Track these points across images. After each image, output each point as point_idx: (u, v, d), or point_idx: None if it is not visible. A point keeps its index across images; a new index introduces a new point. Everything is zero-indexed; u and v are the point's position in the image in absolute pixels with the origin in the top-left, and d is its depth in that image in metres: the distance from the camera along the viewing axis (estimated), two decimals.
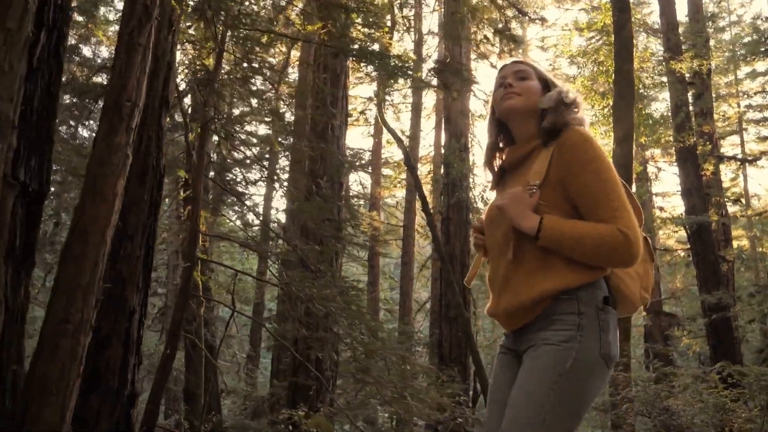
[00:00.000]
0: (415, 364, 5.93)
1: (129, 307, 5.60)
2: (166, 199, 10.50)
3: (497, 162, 2.15)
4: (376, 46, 7.87)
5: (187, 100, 9.67)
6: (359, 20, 5.30)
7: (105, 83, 10.18)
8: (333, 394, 5.95)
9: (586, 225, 1.84)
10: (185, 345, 8.07)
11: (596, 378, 1.80)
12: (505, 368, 1.98)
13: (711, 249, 11.75)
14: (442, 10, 13.68)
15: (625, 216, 1.83)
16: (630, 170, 8.58)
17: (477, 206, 12.57)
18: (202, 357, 8.31)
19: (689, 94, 12.85)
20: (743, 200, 17.01)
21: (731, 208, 14.80)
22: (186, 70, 8.62)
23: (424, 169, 18.56)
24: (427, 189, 16.70)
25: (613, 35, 10.73)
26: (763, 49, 14.66)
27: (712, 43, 15.47)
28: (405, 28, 12.99)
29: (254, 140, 6.82)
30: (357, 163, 15.97)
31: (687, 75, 12.48)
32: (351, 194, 16.83)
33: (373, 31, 5.62)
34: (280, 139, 9.62)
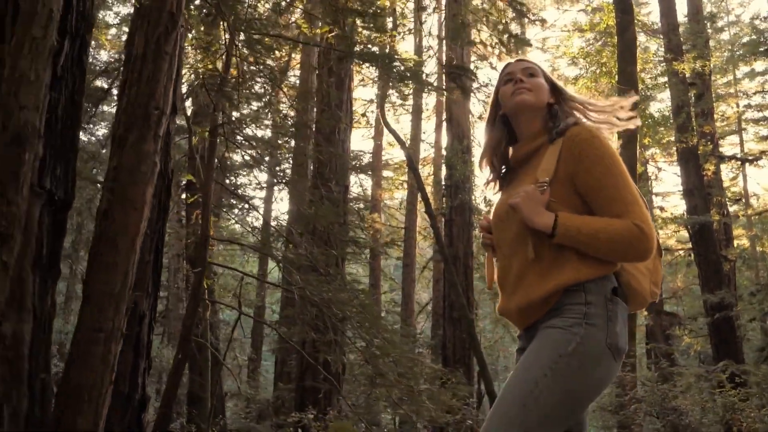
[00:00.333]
0: (428, 366, 5.94)
1: (139, 312, 5.59)
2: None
3: (496, 160, 2.13)
4: (378, 49, 7.90)
5: (188, 103, 9.68)
6: (371, 24, 5.30)
7: (106, 87, 10.16)
8: (344, 398, 5.94)
9: (601, 220, 1.84)
10: (191, 348, 8.06)
11: (600, 367, 1.77)
12: None
13: (713, 249, 11.80)
14: (443, 13, 13.69)
15: (639, 210, 1.83)
16: (634, 171, 8.62)
17: (480, 208, 12.58)
18: (208, 360, 8.30)
19: (690, 95, 12.89)
20: (743, 200, 17.08)
21: (731, 208, 14.86)
22: (185, 74, 8.62)
23: (424, 171, 18.58)
24: (427, 191, 16.70)
25: (615, 36, 10.78)
26: (762, 49, 14.71)
27: (711, 43, 15.53)
28: (407, 30, 13.01)
29: (257, 143, 6.82)
30: (357, 165, 15.99)
31: (688, 76, 12.52)
32: (351, 196, 16.83)
33: (380, 34, 5.62)
34: (280, 142, 9.63)
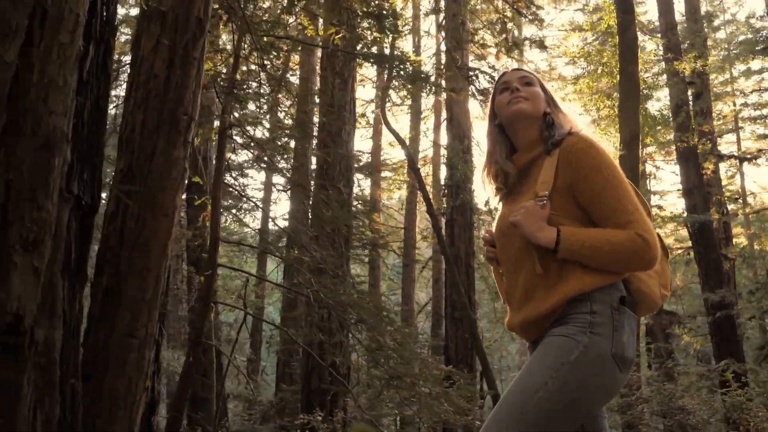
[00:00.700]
0: (438, 367, 5.96)
1: None
2: None
3: (499, 171, 2.09)
4: (382, 50, 7.91)
5: None
6: (381, 25, 5.30)
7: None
8: (356, 400, 5.94)
9: (604, 232, 1.82)
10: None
11: (603, 377, 1.75)
12: None
13: (713, 247, 11.85)
14: (442, 13, 13.70)
15: (641, 219, 1.82)
16: (636, 172, 8.65)
17: (480, 208, 12.60)
18: (213, 362, 8.29)
19: (689, 94, 12.95)
20: (740, 199, 17.16)
21: (729, 207, 14.93)
22: None
23: (423, 171, 18.59)
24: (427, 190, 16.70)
25: (614, 36, 10.81)
26: (758, 48, 14.79)
27: (707, 42, 15.60)
28: (406, 30, 13.03)
29: (265, 145, 6.82)
30: (357, 166, 16.00)
31: (686, 75, 12.58)
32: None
33: (387, 36, 5.63)
34: (282, 143, 9.62)
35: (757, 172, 64.31)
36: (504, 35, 13.52)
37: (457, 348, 11.09)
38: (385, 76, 14.15)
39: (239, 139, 7.66)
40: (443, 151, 17.00)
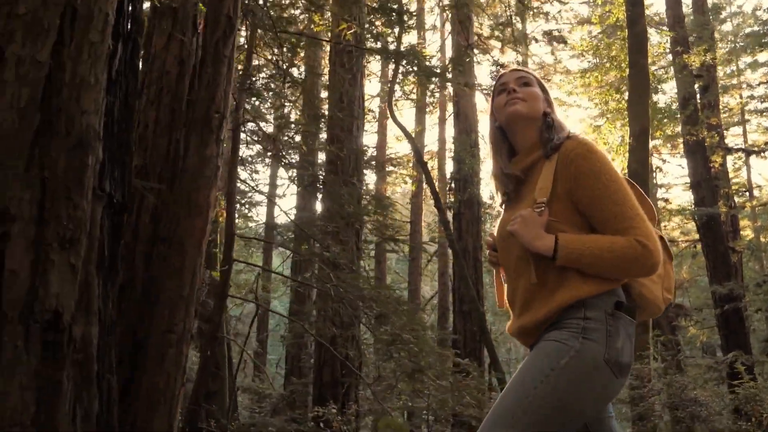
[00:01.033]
0: (459, 361, 5.99)
1: None
2: None
3: (503, 177, 2.06)
4: (389, 45, 7.91)
5: None
6: (393, 20, 5.31)
7: None
8: (375, 392, 5.98)
9: (603, 239, 1.80)
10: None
11: (595, 383, 1.74)
12: None
13: (721, 240, 11.86)
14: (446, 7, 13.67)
15: (641, 225, 1.79)
16: (646, 166, 8.65)
17: (488, 202, 12.63)
18: (225, 356, 8.32)
19: (696, 87, 12.92)
20: (746, 191, 17.14)
21: (737, 199, 14.92)
22: None
23: (428, 165, 18.55)
24: None
25: (621, 30, 10.79)
26: (765, 40, 14.74)
27: (715, 34, 15.55)
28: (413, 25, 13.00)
29: (277, 141, 6.84)
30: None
31: (694, 68, 12.55)
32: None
33: (405, 30, 5.63)
34: (285, 138, 9.64)
35: (763, 164, 64.22)
36: (509, 29, 13.51)
37: (466, 341, 11.14)
38: (389, 71, 14.14)
39: (251, 135, 7.67)
40: (448, 145, 17.01)
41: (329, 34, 7.43)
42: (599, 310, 1.78)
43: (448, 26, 16.01)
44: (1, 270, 2.00)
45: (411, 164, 16.54)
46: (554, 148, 1.91)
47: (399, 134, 17.31)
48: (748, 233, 16.24)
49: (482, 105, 13.98)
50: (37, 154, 2.14)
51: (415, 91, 14.97)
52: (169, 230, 2.50)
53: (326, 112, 8.23)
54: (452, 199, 12.84)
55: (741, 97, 17.30)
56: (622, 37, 11.23)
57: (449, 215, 12.26)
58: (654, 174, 16.98)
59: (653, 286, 1.94)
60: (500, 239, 2.01)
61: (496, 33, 14.20)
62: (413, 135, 16.84)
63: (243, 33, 6.65)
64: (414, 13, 5.46)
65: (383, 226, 6.62)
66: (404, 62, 5.70)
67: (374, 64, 16.14)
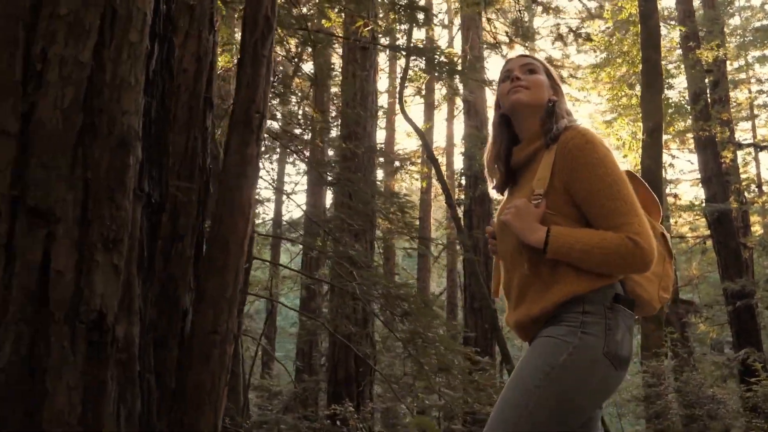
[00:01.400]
0: (478, 359, 6.00)
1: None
2: None
3: (501, 164, 2.04)
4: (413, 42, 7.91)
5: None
6: (411, 17, 5.31)
7: None
8: (394, 390, 5.99)
9: (595, 234, 1.76)
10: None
11: (595, 377, 1.72)
12: None
13: (732, 236, 11.83)
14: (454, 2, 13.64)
15: (635, 221, 1.75)
16: (659, 162, 8.63)
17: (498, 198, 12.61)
18: (239, 353, 8.35)
19: (706, 82, 12.88)
20: (756, 187, 17.08)
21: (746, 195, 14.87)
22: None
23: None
24: None
25: (634, 25, 10.75)
26: None
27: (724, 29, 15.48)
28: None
29: (294, 139, 6.85)
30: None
31: (705, 63, 12.50)
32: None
33: (422, 27, 5.62)
34: (299, 132, 9.64)
35: None
36: (517, 25, 13.47)
37: (477, 338, 11.14)
38: (399, 67, 14.09)
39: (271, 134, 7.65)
40: (457, 141, 17.01)
41: (339, 30, 7.41)
42: (598, 304, 1.76)
43: (456, 21, 15.98)
44: (47, 271, 2.01)
45: (420, 160, 16.50)
46: (554, 138, 1.87)
47: (408, 130, 17.30)
48: (757, 229, 16.20)
49: (492, 101, 13.94)
50: (80, 155, 2.14)
51: (424, 87, 14.95)
52: (212, 230, 2.50)
53: (339, 109, 8.23)
54: (462, 196, 12.83)
55: (750, 92, 17.22)
56: (635, 32, 11.19)
57: (459, 212, 12.27)
58: (665, 170, 16.95)
59: (648, 284, 1.91)
60: (498, 228, 1.98)
61: (507, 30, 14.16)
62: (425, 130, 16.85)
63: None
64: (429, 10, 5.43)
65: (405, 225, 6.59)
66: (423, 59, 5.68)
67: (382, 61, 16.14)
